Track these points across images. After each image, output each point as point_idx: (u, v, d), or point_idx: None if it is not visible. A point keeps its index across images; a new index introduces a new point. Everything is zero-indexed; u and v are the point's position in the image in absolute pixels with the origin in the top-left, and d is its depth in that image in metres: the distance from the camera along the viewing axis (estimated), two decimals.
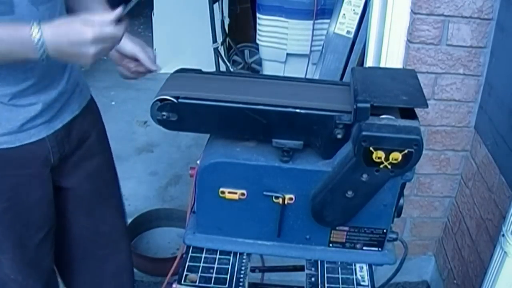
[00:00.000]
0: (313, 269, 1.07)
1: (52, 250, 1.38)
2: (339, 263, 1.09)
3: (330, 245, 1.07)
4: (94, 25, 0.94)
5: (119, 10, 0.97)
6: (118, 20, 0.97)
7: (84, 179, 1.36)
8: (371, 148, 0.89)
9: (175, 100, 0.95)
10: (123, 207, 1.57)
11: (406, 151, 0.89)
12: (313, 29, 2.84)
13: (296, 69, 2.96)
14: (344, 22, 2.53)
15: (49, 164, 1.25)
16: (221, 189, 1.01)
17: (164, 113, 0.96)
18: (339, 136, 0.94)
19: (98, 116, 1.42)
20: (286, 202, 1.00)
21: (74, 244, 1.45)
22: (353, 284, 1.05)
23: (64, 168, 1.30)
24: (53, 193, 1.31)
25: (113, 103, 3.51)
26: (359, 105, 0.89)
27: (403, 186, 0.99)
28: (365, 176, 0.93)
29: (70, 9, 1.21)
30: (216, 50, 3.33)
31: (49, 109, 1.17)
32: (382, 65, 1.74)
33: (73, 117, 1.26)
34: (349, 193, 0.96)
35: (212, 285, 1.02)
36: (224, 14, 3.61)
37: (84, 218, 1.42)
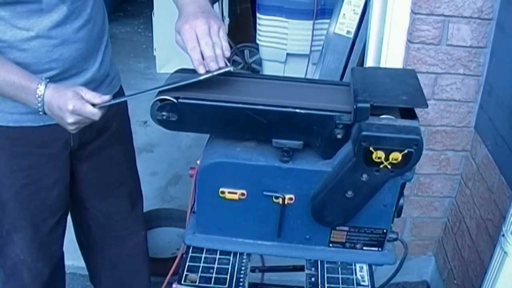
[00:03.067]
0: (313, 269, 1.07)
1: (63, 236, 1.47)
2: (339, 263, 1.09)
3: (330, 245, 1.07)
4: (80, 99, 1.04)
5: (107, 99, 1.06)
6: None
7: (98, 166, 1.43)
8: (371, 148, 0.89)
9: (175, 100, 0.95)
10: (139, 196, 1.63)
11: (406, 151, 0.89)
12: (313, 29, 2.83)
13: (296, 69, 2.96)
14: (344, 22, 2.53)
15: (69, 147, 1.32)
16: (221, 189, 1.01)
17: (164, 113, 0.96)
18: (339, 136, 0.94)
19: (124, 108, 1.47)
20: (286, 202, 1.00)
21: (92, 225, 1.55)
22: (353, 284, 1.05)
23: (82, 153, 1.37)
24: (69, 177, 1.38)
25: None
26: (359, 105, 0.89)
27: (403, 186, 0.99)
28: (365, 176, 0.93)
29: None
30: None
31: None
32: (382, 65, 1.74)
33: None
34: (349, 193, 0.96)
35: (212, 285, 1.02)
36: (224, 14, 3.60)
37: (97, 203, 1.50)
